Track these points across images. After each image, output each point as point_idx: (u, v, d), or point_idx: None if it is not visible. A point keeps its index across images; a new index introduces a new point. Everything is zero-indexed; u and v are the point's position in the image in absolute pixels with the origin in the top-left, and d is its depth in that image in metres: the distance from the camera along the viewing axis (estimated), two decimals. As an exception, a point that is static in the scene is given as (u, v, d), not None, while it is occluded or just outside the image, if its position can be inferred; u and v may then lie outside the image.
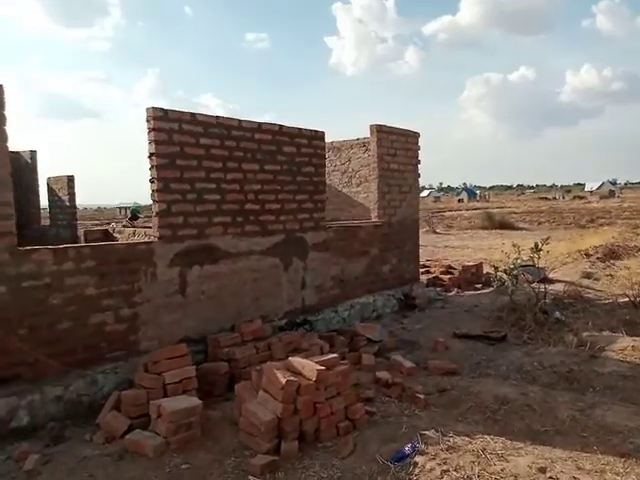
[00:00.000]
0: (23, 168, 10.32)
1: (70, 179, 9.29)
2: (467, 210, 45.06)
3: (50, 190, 9.78)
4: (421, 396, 4.43)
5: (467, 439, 3.60)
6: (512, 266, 7.68)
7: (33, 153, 10.21)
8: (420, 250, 16.06)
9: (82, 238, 8.17)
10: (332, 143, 9.80)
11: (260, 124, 5.87)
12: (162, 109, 4.91)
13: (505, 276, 7.63)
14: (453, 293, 9.51)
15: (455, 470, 3.15)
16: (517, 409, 4.20)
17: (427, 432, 3.68)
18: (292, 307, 6.36)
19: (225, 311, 5.54)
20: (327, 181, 9.76)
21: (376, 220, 7.80)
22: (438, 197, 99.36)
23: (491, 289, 9.28)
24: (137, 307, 4.77)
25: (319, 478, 3.24)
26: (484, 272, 10.86)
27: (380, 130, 7.71)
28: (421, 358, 5.62)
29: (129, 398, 3.88)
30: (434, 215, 35.12)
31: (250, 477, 3.25)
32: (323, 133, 6.71)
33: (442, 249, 17.84)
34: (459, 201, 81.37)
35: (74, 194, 9.31)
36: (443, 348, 5.89)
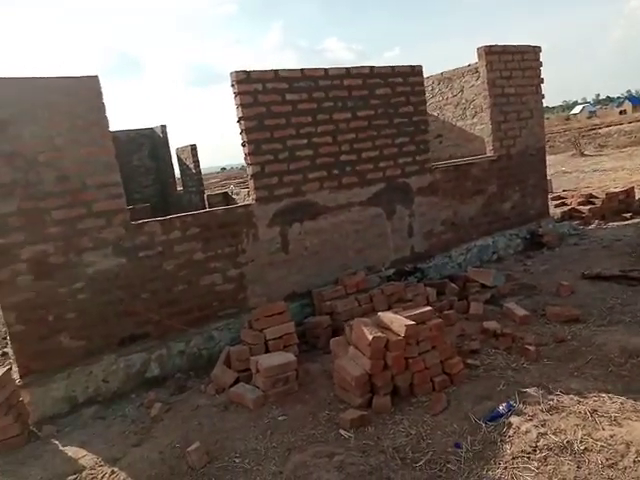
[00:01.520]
0: (157, 142, 11.40)
1: (193, 148, 10.01)
2: (630, 123, 38.79)
3: (179, 159, 10.68)
4: (531, 347, 4.07)
5: (577, 398, 3.24)
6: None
7: (164, 127, 11.17)
8: (563, 178, 14.43)
9: (207, 202, 8.84)
10: (442, 74, 9.04)
11: (348, 69, 5.61)
12: (244, 71, 4.94)
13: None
14: (593, 226, 8.41)
15: (554, 434, 2.87)
16: (649, 363, 3.65)
17: (528, 389, 3.39)
18: (400, 256, 6.22)
19: (329, 265, 5.62)
20: (440, 116, 9.18)
21: (491, 154, 7.11)
22: (593, 112, 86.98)
23: (642, 218, 8.02)
24: (242, 267, 5.07)
25: (407, 434, 3.21)
26: (637, 198, 9.39)
27: (490, 52, 6.87)
28: (541, 304, 5.13)
29: (235, 353, 4.20)
30: (584, 134, 31.01)
31: (341, 430, 3.34)
32: (420, 67, 6.19)
33: (590, 174, 15.75)
34: (621, 113, 70.34)
35: (198, 161, 10.04)
36: (568, 292, 5.29)
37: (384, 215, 6.05)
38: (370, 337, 3.55)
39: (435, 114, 9.27)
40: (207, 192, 10.28)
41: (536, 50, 7.40)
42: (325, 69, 5.44)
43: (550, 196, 9.99)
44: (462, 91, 8.64)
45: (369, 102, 5.76)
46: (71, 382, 4.19)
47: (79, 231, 4.22)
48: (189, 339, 4.76)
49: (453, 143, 9.07)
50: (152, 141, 11.53)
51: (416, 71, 6.13)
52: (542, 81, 7.54)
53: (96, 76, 4.23)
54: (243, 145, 5.11)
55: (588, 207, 8.98)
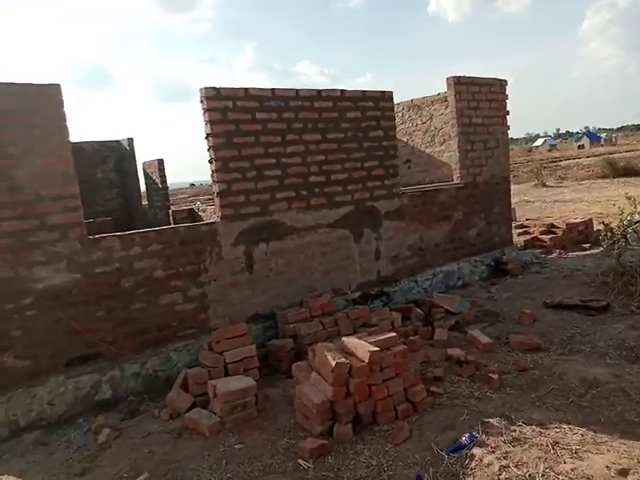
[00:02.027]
0: (123, 155, 11.14)
1: (160, 162, 9.82)
2: (587, 157, 40.53)
3: (145, 174, 10.45)
4: (494, 376, 4.05)
5: (539, 429, 3.21)
6: (626, 222, 6.73)
7: (130, 140, 10.93)
8: (526, 207, 14.80)
9: (171, 218, 8.64)
10: (412, 101, 9.20)
11: (319, 91, 5.62)
12: (214, 88, 4.87)
13: (614, 234, 6.68)
14: (555, 255, 8.61)
15: (516, 466, 2.82)
16: (608, 394, 3.67)
17: (491, 419, 3.35)
18: (366, 279, 6.18)
19: (294, 286, 5.52)
20: (409, 142, 9.31)
21: (458, 181, 7.22)
22: (554, 145, 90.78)
23: (601, 249, 8.25)
24: (205, 287, 4.92)
25: (368, 465, 3.10)
26: (595, 230, 9.70)
27: (458, 82, 7.03)
28: (504, 332, 5.15)
29: (193, 376, 4.03)
30: (546, 166, 32.20)
31: (300, 460, 3.21)
32: (391, 93, 6.26)
33: (551, 204, 16.26)
34: (579, 147, 73.61)
35: (165, 176, 9.84)
36: (530, 320, 5.34)
37: (352, 238, 6.02)
38: (333, 363, 3.46)
39: (404, 140, 9.40)
40: (173, 208, 10.06)
41: (502, 83, 7.63)
42: (296, 90, 5.43)
43: (513, 224, 10.22)
44: (431, 119, 8.81)
45: (339, 125, 5.78)
46: (12, 405, 3.92)
47: (30, 244, 4.00)
48: (144, 360, 4.54)
49: (421, 169, 9.20)
50: (118, 154, 11.25)
51: (387, 96, 6.20)
52: (508, 113, 7.76)
53: (58, 85, 4.08)
54: (210, 162, 5.01)
55: (550, 236, 9.22)
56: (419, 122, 9.05)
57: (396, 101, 6.60)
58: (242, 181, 5.10)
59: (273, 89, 5.26)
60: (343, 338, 3.79)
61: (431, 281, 6.86)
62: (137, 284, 4.53)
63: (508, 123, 7.79)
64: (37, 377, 4.04)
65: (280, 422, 3.70)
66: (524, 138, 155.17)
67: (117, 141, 11.26)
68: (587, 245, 8.96)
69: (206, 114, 4.87)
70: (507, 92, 7.72)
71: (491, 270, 7.61)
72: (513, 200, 18.53)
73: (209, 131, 4.90)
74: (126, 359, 4.45)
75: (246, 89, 5.07)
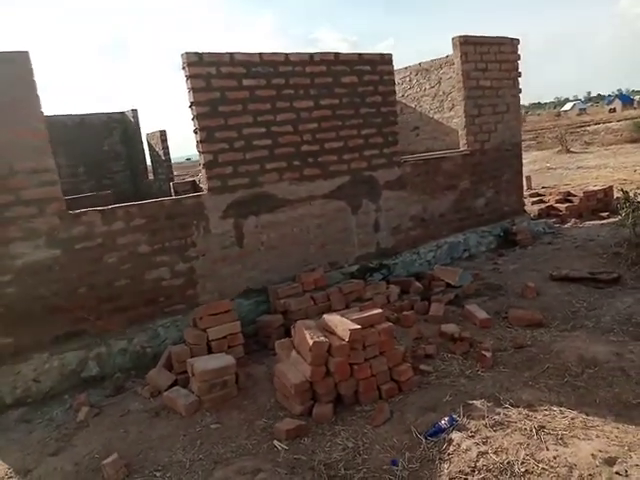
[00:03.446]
0: (128, 127, 11.02)
1: (162, 134, 9.67)
2: (618, 121, 38.80)
3: (149, 146, 10.32)
4: (488, 354, 3.86)
5: (525, 412, 3.03)
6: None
7: (135, 112, 10.78)
8: (547, 175, 14.27)
9: (172, 191, 8.51)
10: (420, 65, 8.76)
11: (312, 55, 5.31)
12: (196, 53, 4.63)
13: (631, 202, 6.29)
14: (569, 225, 8.23)
15: (495, 453, 2.65)
16: (606, 374, 3.45)
17: (476, 402, 3.17)
18: (365, 252, 5.97)
19: (288, 260, 5.36)
20: (417, 108, 8.91)
21: (464, 148, 6.87)
22: (584, 109, 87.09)
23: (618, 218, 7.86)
24: (192, 261, 4.79)
25: (344, 448, 2.98)
26: (615, 197, 9.23)
27: (465, 42, 6.60)
28: (504, 306, 4.92)
29: (175, 354, 3.94)
30: (572, 131, 30.96)
31: (275, 442, 3.11)
32: (390, 56, 5.90)
33: (573, 171, 15.60)
34: (610, 111, 70.44)
35: (167, 148, 9.70)
36: (533, 294, 5.09)
37: (348, 209, 5.79)
38: (311, 341, 3.31)
39: (412, 106, 9.01)
40: (177, 180, 9.95)
41: (514, 42, 7.15)
42: (286, 54, 5.14)
43: (528, 193, 9.84)
44: (439, 83, 8.39)
45: (333, 90, 5.48)
46: (-4, 382, 3.90)
47: (6, 220, 3.90)
48: (132, 336, 4.48)
49: (430, 136, 8.83)
50: (123, 126, 11.15)
51: (385, 59, 5.84)
52: (519, 74, 7.30)
53: (26, 52, 3.91)
54: (195, 132, 4.81)
55: (566, 205, 8.81)
56: (427, 87, 8.64)
57: (406, 65, 6.25)
58: (229, 151, 4.90)
59: (260, 53, 4.98)
60: (324, 315, 3.63)
61: (435, 253, 6.62)
62: (121, 259, 4.43)
63: (520, 85, 7.33)
64: (20, 354, 4.02)
65: (260, 401, 3.60)
66: (553, 102, 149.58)
67: (122, 113, 11.13)
68: (605, 214, 8.53)
69: (188, 81, 4.65)
70: (519, 52, 7.23)
71: (500, 241, 7.31)
72: (534, 167, 17.93)
73: (192, 99, 4.69)
74: (113, 335, 4.39)
75: (231, 54, 4.81)
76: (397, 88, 9.15)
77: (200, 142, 4.78)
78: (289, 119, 5.22)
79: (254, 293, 5.17)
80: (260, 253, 5.19)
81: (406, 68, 8.94)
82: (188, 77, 4.65)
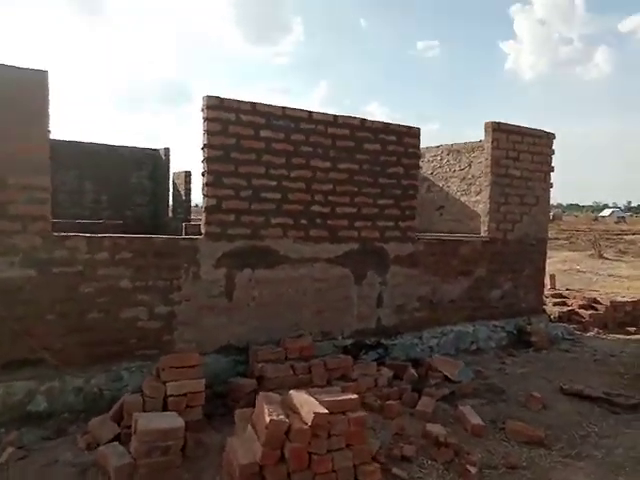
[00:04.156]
0: (158, 164, 11.21)
1: (187, 174, 9.75)
2: (657, 235, 37.89)
3: (174, 185, 10.41)
4: (473, 469, 3.35)
5: None
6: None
7: (167, 150, 11.00)
8: (575, 277, 13.66)
9: (184, 231, 8.41)
10: (452, 145, 8.68)
11: (336, 117, 5.23)
12: (218, 97, 4.59)
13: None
14: (592, 334, 7.64)
15: None
16: (608, 522, 2.89)
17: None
18: (363, 326, 5.58)
19: (279, 322, 5.02)
20: (445, 187, 8.72)
21: (485, 235, 6.55)
22: (622, 217, 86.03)
23: (646, 336, 7.28)
24: (174, 306, 4.51)
25: None
26: (644, 312, 8.63)
27: (498, 129, 6.46)
28: (503, 415, 4.39)
29: (128, 404, 3.57)
30: (608, 237, 30.27)
31: (203, 532, 2.65)
32: (418, 130, 5.79)
33: (604, 277, 14.94)
34: (651, 223, 69.15)
35: (190, 189, 9.74)
36: (538, 406, 4.55)
37: (352, 278, 5.47)
38: (268, 419, 2.91)
39: (440, 185, 8.84)
40: (193, 222, 9.89)
41: (550, 136, 6.98)
42: (309, 112, 5.06)
43: (550, 292, 9.33)
44: (470, 166, 8.23)
45: (354, 156, 5.34)
46: None
47: (-14, 231, 3.75)
48: (91, 375, 4.14)
49: (454, 218, 8.57)
50: (154, 162, 11.35)
51: (412, 132, 5.72)
52: (552, 169, 7.08)
53: (45, 71, 3.90)
54: (202, 175, 4.68)
55: (590, 312, 8.25)
56: (457, 168, 8.49)
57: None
58: (235, 199, 4.73)
59: (284, 107, 4.92)
60: (291, 391, 3.23)
61: (439, 340, 6.15)
62: (99, 292, 4.18)
63: (551, 180, 7.08)
64: (-34, 375, 3.72)
65: (204, 478, 3.16)
66: (591, 206, 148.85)
67: (155, 149, 11.37)
68: (632, 329, 7.92)
69: (205, 124, 4.58)
70: (553, 147, 7.04)
71: (512, 339, 6.78)
72: (562, 267, 17.31)
73: (206, 142, 4.59)
74: (71, 371, 4.07)
75: (253, 103, 4.76)
76: (427, 165, 9.07)
77: (206, 185, 4.64)
78: (303, 177, 5.06)
79: (234, 350, 4.81)
80: (249, 309, 4.87)
81: (438, 147, 8.87)
82: (205, 119, 4.58)
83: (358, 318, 5.55)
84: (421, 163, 9.24)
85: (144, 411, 3.52)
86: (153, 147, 11.34)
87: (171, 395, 3.65)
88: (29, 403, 3.91)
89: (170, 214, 10.67)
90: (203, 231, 4.66)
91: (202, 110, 4.60)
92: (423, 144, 8.88)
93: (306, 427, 2.94)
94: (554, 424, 4.28)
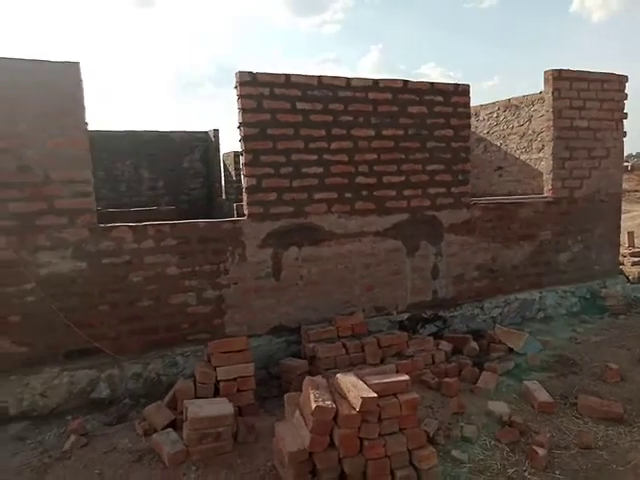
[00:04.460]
0: (209, 146, 11.29)
1: (236, 154, 9.72)
2: None
3: (224, 165, 10.46)
4: (541, 451, 3.09)
5: None
6: None
7: (216, 132, 11.04)
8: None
9: (235, 212, 8.43)
10: (509, 100, 8.03)
11: (377, 81, 4.91)
12: (250, 73, 4.41)
13: None
14: (677, 294, 6.95)
15: None
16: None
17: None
18: (418, 299, 5.35)
19: (329, 299, 4.90)
20: (502, 147, 8.15)
21: (548, 195, 6.04)
22: None
23: None
24: (223, 289, 4.49)
25: None
26: None
27: (559, 76, 5.85)
28: (575, 389, 4.05)
29: (179, 391, 3.60)
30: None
31: (255, 520, 2.62)
32: (467, 87, 5.34)
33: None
34: None
35: (240, 170, 9.70)
36: (616, 378, 4.16)
37: (404, 250, 5.23)
38: (314, 405, 2.80)
39: (497, 144, 8.26)
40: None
41: (621, 79, 6.25)
42: (347, 78, 4.78)
43: (629, 251, 8.58)
44: (530, 121, 7.60)
45: (398, 121, 5.02)
46: (3, 392, 3.79)
47: (36, 227, 3.84)
48: (148, 361, 4.23)
49: (514, 178, 8.01)
50: (205, 144, 11.46)
51: (461, 90, 5.29)
52: (625, 116, 6.35)
53: (77, 63, 3.88)
54: (240, 154, 4.57)
55: (674, 270, 7.50)
56: (515, 124, 7.87)
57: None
58: (275, 177, 4.59)
59: (320, 76, 4.67)
60: (338, 375, 3.10)
61: (502, 309, 5.79)
62: (147, 280, 4.23)
63: (625, 129, 6.38)
64: (32, 366, 3.90)
65: (256, 463, 3.13)
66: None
67: (205, 132, 11.46)
68: None
69: (239, 101, 4.43)
70: (626, 90, 6.31)
71: (585, 304, 6.28)
72: (640, 221, 15.92)
73: (241, 120, 4.46)
74: (128, 358, 4.17)
75: (287, 75, 4.55)
76: (483, 124, 8.50)
77: (245, 165, 4.52)
78: (344, 148, 4.82)
79: (286, 331, 4.75)
80: (298, 288, 4.78)
81: (494, 103, 8.26)
82: (239, 97, 4.43)
83: (413, 292, 5.32)
84: (476, 122, 8.69)
85: (196, 397, 3.54)
86: (203, 130, 11.44)
87: (222, 380, 3.64)
88: (92, 391, 4.05)
89: (223, 195, 10.77)
90: (246, 212, 4.57)
91: (235, 87, 4.45)
92: (482, 101, 8.39)
93: (354, 412, 2.81)
94: (634, 398, 3.90)
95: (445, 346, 4.72)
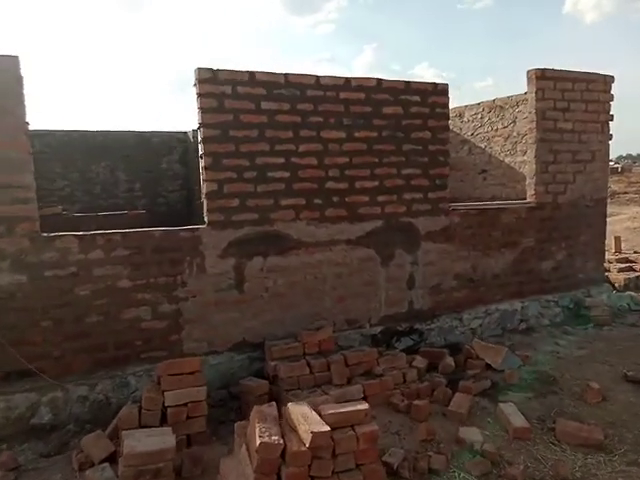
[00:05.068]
0: (189, 147, 10.94)
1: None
2: None
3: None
4: (513, 487, 2.82)
5: None
6: None
7: (195, 132, 10.63)
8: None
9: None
10: (494, 101, 7.78)
11: (348, 79, 4.62)
12: (210, 69, 4.11)
13: None
14: (664, 303, 6.72)
15: None
16: None
17: None
18: (393, 311, 5.06)
19: (297, 313, 4.60)
20: (487, 149, 7.90)
21: (531, 200, 5.78)
22: (701, 163, 78.67)
23: None
24: (180, 303, 4.18)
25: None
26: None
27: (542, 76, 5.59)
28: (554, 410, 3.79)
29: (123, 419, 3.29)
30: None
31: None
32: (445, 86, 5.07)
33: (678, 234, 13.47)
34: None
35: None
36: (597, 398, 3.90)
37: (378, 259, 4.94)
38: (258, 441, 2.50)
39: (482, 146, 8.01)
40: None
41: (607, 80, 6.01)
42: (317, 76, 4.49)
43: (615, 257, 8.37)
44: (514, 122, 7.35)
45: (372, 122, 4.73)
46: None
47: (-31, 238, 3.52)
48: (95, 383, 3.90)
49: (498, 182, 7.76)
50: (185, 145, 11.10)
51: (439, 90, 5.01)
52: (611, 118, 6.12)
53: (16, 57, 3.56)
54: (200, 157, 4.26)
55: (662, 277, 7.27)
56: (500, 126, 7.62)
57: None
58: (238, 182, 4.28)
59: (286, 74, 4.37)
60: (289, 405, 2.80)
61: (482, 320, 5.53)
62: (95, 293, 3.90)
63: (610, 131, 6.14)
64: (-36, 389, 3.57)
65: (199, 501, 2.83)
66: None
67: (184, 132, 11.10)
68: None
69: (199, 100, 4.12)
70: (613, 91, 6.07)
71: (569, 314, 6.04)
72: (631, 224, 15.83)
73: (201, 121, 4.15)
74: (73, 379, 3.84)
75: (251, 72, 4.24)
76: (467, 126, 8.25)
77: (205, 169, 4.22)
78: (314, 150, 4.53)
79: (250, 347, 4.45)
80: (263, 301, 4.48)
81: (479, 104, 8.00)
82: (199, 95, 4.12)
83: (387, 303, 5.03)
84: (460, 124, 8.44)
85: (140, 425, 3.23)
86: (182, 131, 11.07)
87: (170, 406, 3.33)
88: (33, 416, 3.71)
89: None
90: (206, 219, 4.26)
91: (194, 85, 4.14)
92: (476, 101, 8.11)
93: (304, 449, 2.52)
94: (616, 421, 3.64)
95: (419, 362, 4.44)
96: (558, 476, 2.99)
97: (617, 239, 9.21)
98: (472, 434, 3.32)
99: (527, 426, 3.43)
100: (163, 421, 3.32)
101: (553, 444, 3.36)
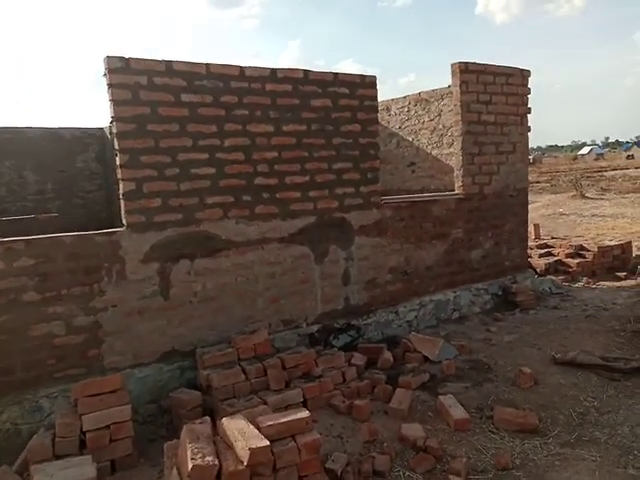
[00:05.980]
0: (107, 144, 10.24)
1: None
2: (636, 168, 37.79)
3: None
4: (458, 479, 2.78)
5: None
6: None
7: (112, 128, 10.02)
8: (559, 221, 13.18)
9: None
10: (420, 94, 7.88)
11: (274, 70, 4.42)
12: (122, 58, 3.75)
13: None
14: (581, 284, 7.16)
15: None
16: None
17: None
18: (330, 308, 4.95)
19: (229, 316, 4.36)
20: (415, 142, 7.98)
21: (459, 191, 5.89)
22: (601, 154, 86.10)
23: (638, 281, 6.80)
24: (98, 314, 3.81)
25: None
26: (633, 255, 8.16)
27: (466, 69, 5.69)
28: (490, 398, 3.84)
29: (33, 450, 2.91)
30: (589, 176, 29.99)
31: None
32: (373, 78, 5.00)
33: (587, 219, 14.52)
34: (628, 157, 69.22)
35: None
36: (529, 382, 4.00)
37: (312, 256, 4.80)
38: (190, 465, 2.27)
39: (410, 139, 8.10)
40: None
41: (524, 74, 6.23)
42: (241, 67, 4.25)
43: (535, 243, 8.79)
44: (440, 115, 7.48)
45: (300, 114, 4.57)
46: None
47: None
48: (1, 410, 3.47)
49: (427, 174, 7.88)
50: (102, 142, 10.39)
51: (367, 82, 4.94)
52: (529, 110, 6.36)
53: None
54: (115, 154, 3.90)
55: (577, 261, 7.72)
56: (426, 119, 7.73)
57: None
58: (158, 180, 3.97)
59: (208, 64, 4.10)
60: (223, 420, 2.59)
61: (417, 312, 5.56)
62: (-3, 309, 3.46)
63: (529, 123, 6.38)
64: None
65: (126, 534, 2.55)
66: (570, 146, 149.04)
67: (100, 128, 10.40)
68: (622, 274, 7.43)
69: (110, 91, 3.76)
70: (529, 85, 6.31)
71: (498, 301, 6.24)
72: (546, 212, 16.84)
73: (113, 114, 3.80)
74: (-26, 407, 3.39)
75: (168, 62, 3.93)
76: (395, 119, 8.30)
77: (121, 167, 3.87)
78: (240, 145, 4.30)
79: (179, 356, 4.16)
80: (192, 306, 4.19)
81: (405, 97, 8.08)
82: (110, 86, 3.76)
83: (323, 300, 4.91)
84: (388, 117, 8.48)
85: (55, 456, 2.88)
86: (99, 127, 10.35)
87: (89, 430, 3.00)
88: None
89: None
90: (124, 222, 3.91)
91: (104, 75, 3.77)
92: (400, 96, 8.18)
93: (242, 467, 2.32)
94: (548, 403, 3.74)
95: (358, 359, 4.36)
96: (499, 465, 3.00)
97: (536, 226, 9.71)
98: (414, 430, 3.26)
99: (467, 417, 3.43)
100: (83, 448, 2.98)
101: (492, 432, 3.39)
